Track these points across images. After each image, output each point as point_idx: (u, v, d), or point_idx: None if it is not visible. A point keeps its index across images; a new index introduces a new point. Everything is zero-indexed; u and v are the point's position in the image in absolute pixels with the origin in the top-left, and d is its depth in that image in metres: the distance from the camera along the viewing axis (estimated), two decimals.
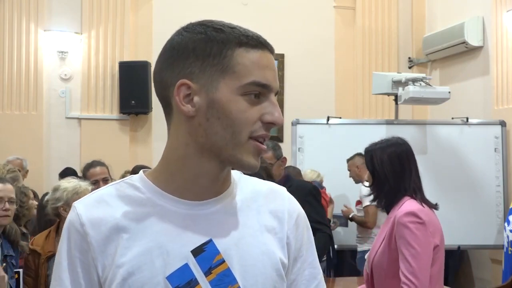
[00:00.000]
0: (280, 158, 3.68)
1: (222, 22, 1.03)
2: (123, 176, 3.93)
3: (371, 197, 2.66)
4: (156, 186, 1.05)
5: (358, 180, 4.79)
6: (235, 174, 1.12)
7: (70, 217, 1.04)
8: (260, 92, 1.01)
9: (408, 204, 2.42)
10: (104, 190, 1.07)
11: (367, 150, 2.65)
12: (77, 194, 2.84)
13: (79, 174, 5.55)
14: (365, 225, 4.78)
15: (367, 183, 2.69)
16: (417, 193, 2.51)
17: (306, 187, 3.61)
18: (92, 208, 1.03)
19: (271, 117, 1.01)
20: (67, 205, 2.82)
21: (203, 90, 1.00)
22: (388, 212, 2.56)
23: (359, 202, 4.94)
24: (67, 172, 5.36)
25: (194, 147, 1.02)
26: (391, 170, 2.53)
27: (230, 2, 6.24)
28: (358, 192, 4.80)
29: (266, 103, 1.01)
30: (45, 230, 3.02)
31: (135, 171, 3.84)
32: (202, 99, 1.00)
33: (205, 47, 1.00)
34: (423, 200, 2.48)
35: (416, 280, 2.27)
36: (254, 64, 1.00)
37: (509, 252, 4.00)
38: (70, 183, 2.98)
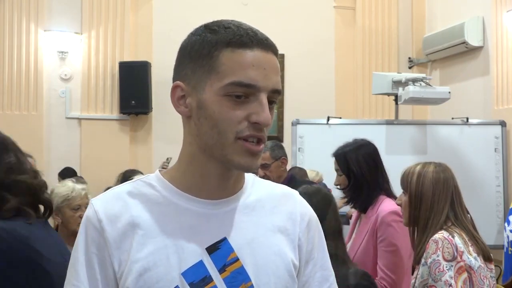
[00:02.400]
0: (279, 158, 3.57)
1: (223, 22, 1.03)
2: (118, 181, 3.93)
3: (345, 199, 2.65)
4: (171, 184, 1.06)
5: None
6: (249, 177, 1.13)
7: (88, 213, 1.05)
8: (245, 92, 0.99)
9: (388, 203, 2.46)
10: (121, 188, 1.08)
11: (338, 153, 2.61)
12: (67, 200, 2.87)
13: (79, 174, 5.58)
14: None
15: (339, 187, 2.64)
16: (389, 190, 2.56)
17: None
18: (109, 205, 1.04)
19: (256, 117, 0.99)
20: (58, 210, 2.85)
21: (194, 91, 1.02)
22: (365, 212, 2.57)
23: None
24: (67, 172, 5.36)
25: (196, 147, 1.04)
26: (367, 170, 2.53)
27: (230, 2, 6.23)
28: None
29: (254, 103, 0.99)
30: None
31: (125, 176, 3.83)
32: (193, 100, 1.02)
33: (198, 49, 1.01)
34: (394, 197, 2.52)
35: (394, 276, 2.35)
36: (238, 63, 0.98)
37: (509, 252, 4.00)
38: (63, 187, 2.97)
